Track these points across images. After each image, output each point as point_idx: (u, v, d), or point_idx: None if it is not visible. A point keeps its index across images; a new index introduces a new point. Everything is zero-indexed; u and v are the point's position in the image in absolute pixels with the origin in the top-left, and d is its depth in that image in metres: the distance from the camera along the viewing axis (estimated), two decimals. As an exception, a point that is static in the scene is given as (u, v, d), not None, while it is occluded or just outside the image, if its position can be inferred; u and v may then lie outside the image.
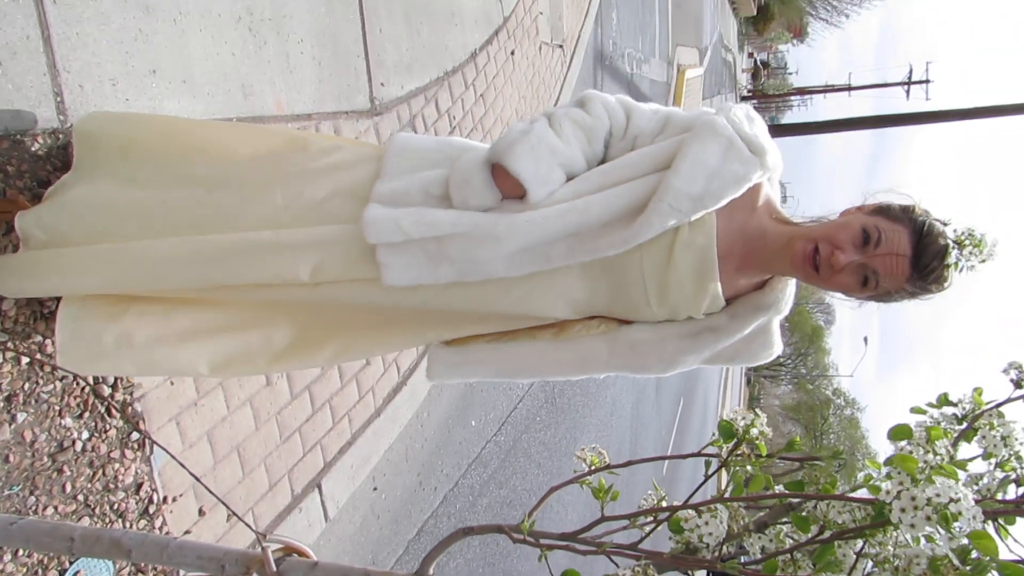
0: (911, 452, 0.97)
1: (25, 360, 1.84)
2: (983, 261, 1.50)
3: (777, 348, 1.59)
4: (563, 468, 6.25)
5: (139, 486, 2.13)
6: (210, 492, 1.35)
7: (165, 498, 2.20)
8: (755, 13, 41.82)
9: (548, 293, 1.51)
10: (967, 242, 1.41)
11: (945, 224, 1.44)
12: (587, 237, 1.44)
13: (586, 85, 7.98)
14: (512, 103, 5.47)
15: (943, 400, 1.37)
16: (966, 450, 1.30)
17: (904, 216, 1.43)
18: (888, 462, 1.02)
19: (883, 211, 1.45)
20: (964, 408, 1.37)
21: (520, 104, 5.66)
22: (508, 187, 1.48)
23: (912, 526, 0.86)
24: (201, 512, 2.35)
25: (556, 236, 1.44)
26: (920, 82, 36.53)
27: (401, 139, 1.63)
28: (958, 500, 0.83)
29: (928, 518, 0.84)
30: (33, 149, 1.89)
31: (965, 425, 1.30)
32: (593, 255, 1.44)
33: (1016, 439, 1.24)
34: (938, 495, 0.84)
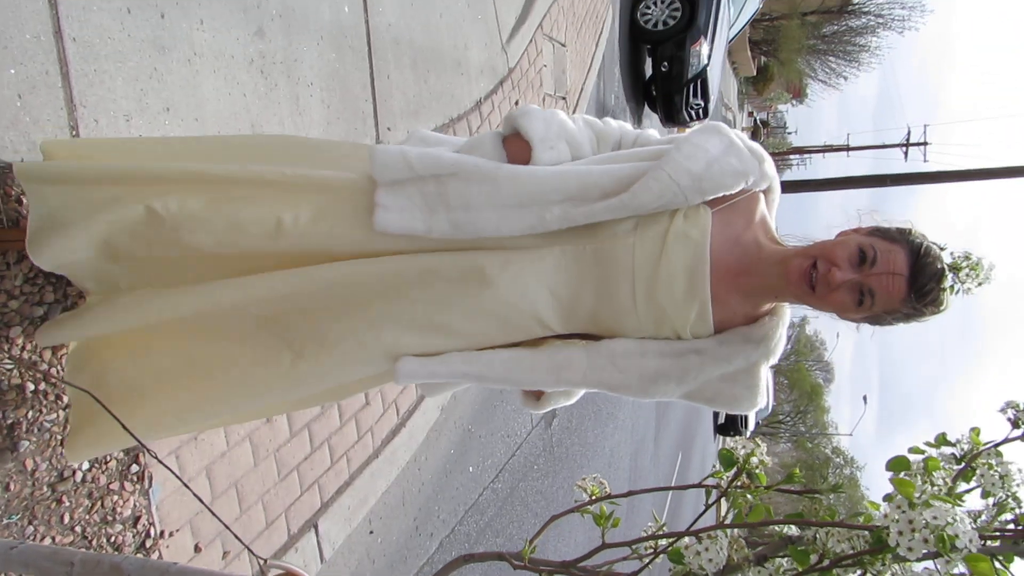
0: (911, 481, 0.99)
1: (30, 388, 1.85)
2: (979, 284, 1.51)
3: (762, 398, 1.53)
4: (552, 541, 6.18)
5: (137, 519, 2.12)
6: (217, 518, 1.35)
7: (162, 532, 2.19)
8: (755, 73, 42.53)
9: (534, 278, 1.47)
10: (964, 265, 1.42)
11: (942, 248, 1.44)
12: (584, 201, 1.43)
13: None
14: (515, 151, 5.56)
15: (941, 440, 1.37)
16: (968, 496, 1.31)
17: (901, 237, 1.43)
18: (887, 498, 1.03)
19: (880, 232, 1.45)
20: (962, 448, 1.38)
21: (523, 153, 5.74)
22: (515, 149, 1.52)
23: (910, 549, 0.87)
24: (197, 548, 2.33)
25: (553, 193, 1.43)
26: (918, 144, 36.98)
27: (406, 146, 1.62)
28: (955, 523, 0.84)
29: (925, 540, 0.85)
30: (47, 181, 1.92)
31: (964, 465, 1.31)
32: (589, 219, 1.42)
33: (1014, 479, 1.25)
34: (935, 518, 0.85)
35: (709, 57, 10.23)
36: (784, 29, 37.09)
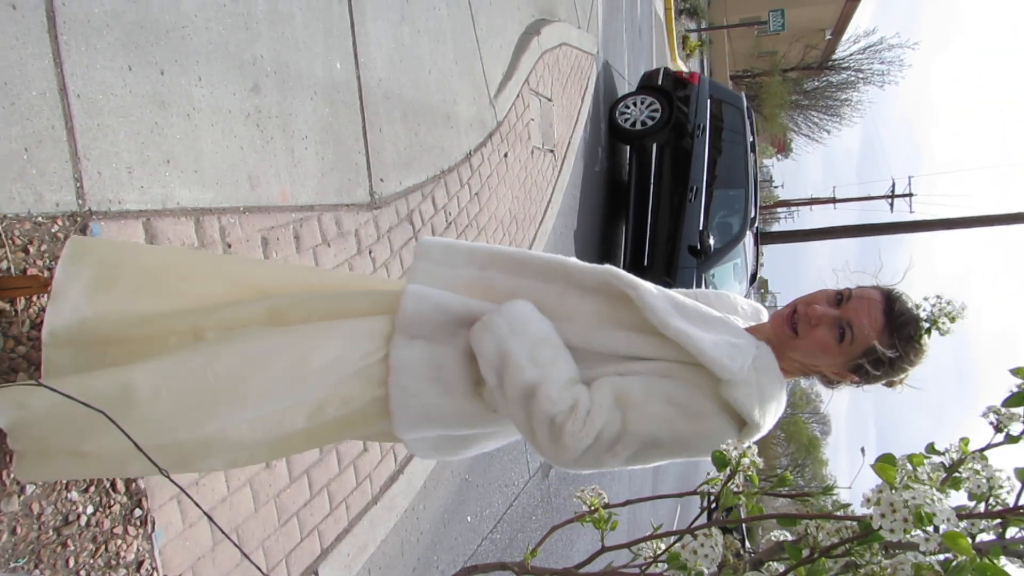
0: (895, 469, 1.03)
1: (35, 431, 1.88)
2: (953, 320, 1.57)
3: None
4: (561, 559, 6.11)
5: (140, 563, 2.13)
6: (235, 544, 1.37)
7: (164, 577, 2.20)
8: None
9: None
10: (937, 309, 1.48)
11: (918, 306, 1.53)
12: None
13: (576, 189, 8.23)
14: (506, 202, 5.66)
15: (930, 449, 1.42)
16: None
17: (874, 286, 1.56)
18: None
19: (857, 286, 1.57)
20: (951, 457, 1.42)
21: (513, 204, 5.85)
22: None
23: (892, 531, 0.91)
24: (199, 594, 2.33)
25: None
26: (903, 195, 37.48)
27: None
28: (933, 503, 0.89)
29: (905, 519, 0.89)
30: (53, 231, 1.98)
31: (951, 473, 1.35)
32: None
33: (1001, 485, 1.29)
34: (914, 498, 0.90)
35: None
36: (766, 85, 37.84)
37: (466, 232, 4.85)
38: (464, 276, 1.69)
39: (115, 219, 2.17)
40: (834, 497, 1.27)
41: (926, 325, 1.49)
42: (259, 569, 1.42)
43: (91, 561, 1.99)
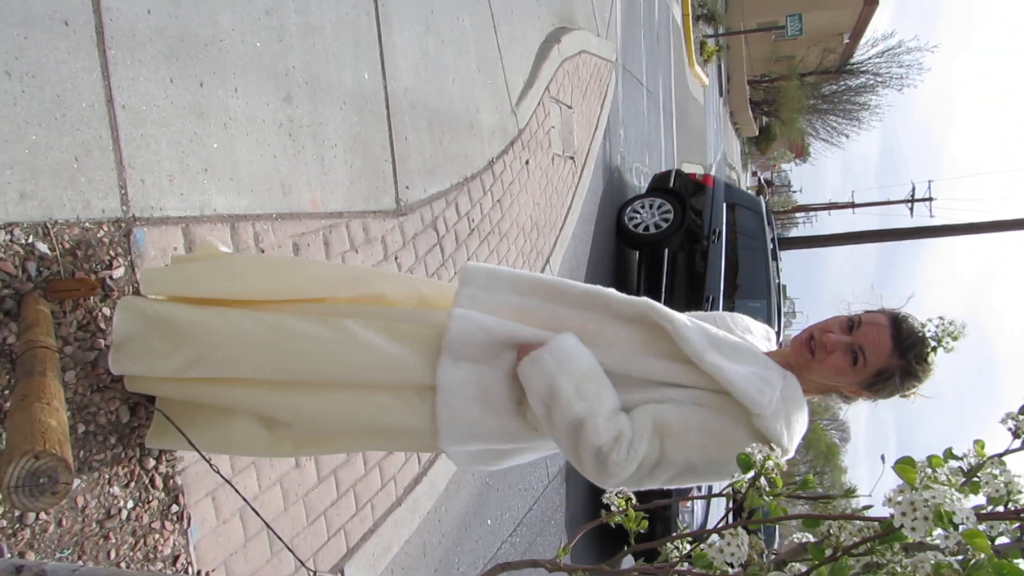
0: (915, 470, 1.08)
1: (81, 429, 1.96)
2: (956, 339, 1.65)
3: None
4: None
5: (176, 558, 2.20)
6: (274, 533, 1.44)
7: (199, 572, 2.27)
8: (757, 133, 43.15)
9: None
10: (940, 329, 1.60)
11: (923, 325, 1.66)
12: None
13: (596, 196, 8.29)
14: (527, 209, 5.73)
15: (948, 454, 1.47)
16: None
17: (881, 310, 1.70)
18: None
19: (865, 311, 1.72)
20: (969, 462, 1.47)
21: (534, 210, 5.91)
22: None
23: (913, 529, 0.96)
24: (232, 589, 2.40)
25: None
26: (923, 200, 37.27)
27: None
28: (953, 501, 0.94)
29: (926, 518, 0.94)
30: (99, 236, 2.07)
31: (968, 478, 1.40)
32: None
33: (1020, 490, 1.33)
34: (934, 497, 0.95)
35: None
36: (784, 90, 37.74)
37: (488, 239, 4.92)
38: (507, 301, 1.80)
39: (156, 225, 2.25)
40: (856, 499, 1.32)
41: (932, 344, 1.61)
42: (295, 556, 1.48)
43: (131, 554, 2.07)
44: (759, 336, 1.92)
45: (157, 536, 2.15)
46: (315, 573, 1.34)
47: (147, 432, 2.06)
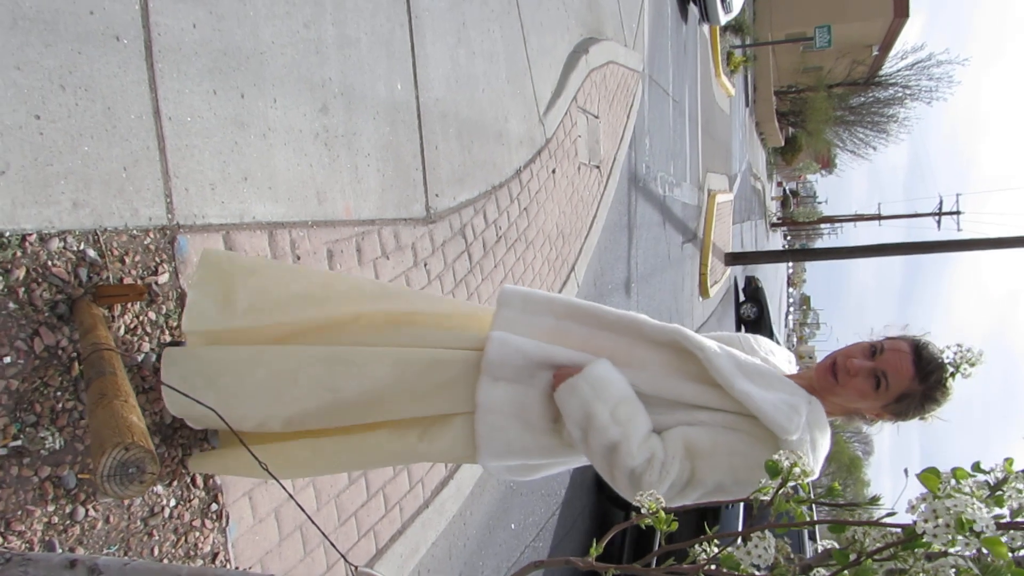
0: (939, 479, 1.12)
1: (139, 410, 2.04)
2: (973, 365, 1.72)
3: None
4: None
5: (215, 555, 2.27)
6: (315, 525, 1.50)
7: (237, 568, 2.34)
8: (783, 144, 42.91)
9: None
10: (959, 356, 1.67)
11: (942, 351, 1.72)
12: None
13: (622, 205, 8.33)
14: (553, 217, 5.78)
15: (976, 468, 1.50)
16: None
17: (904, 337, 1.76)
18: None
19: (887, 338, 1.78)
20: (996, 477, 1.50)
21: (560, 219, 5.97)
22: None
23: (935, 536, 1.00)
24: (266, 587, 2.47)
25: None
26: (950, 213, 36.89)
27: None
28: (974, 509, 0.98)
29: (948, 525, 0.98)
30: (146, 243, 2.14)
31: (994, 492, 1.43)
32: None
33: (1044, 503, 1.36)
34: (956, 505, 0.99)
35: None
36: (811, 101, 37.53)
37: (515, 246, 4.98)
38: (542, 324, 1.89)
39: (199, 232, 2.33)
40: (880, 506, 1.36)
41: (951, 370, 1.67)
42: (337, 550, 1.54)
43: (173, 551, 2.14)
44: (781, 360, 2.00)
45: (197, 534, 2.22)
46: (356, 568, 1.39)
47: (191, 458, 2.17)
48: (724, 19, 12.94)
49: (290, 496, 1.63)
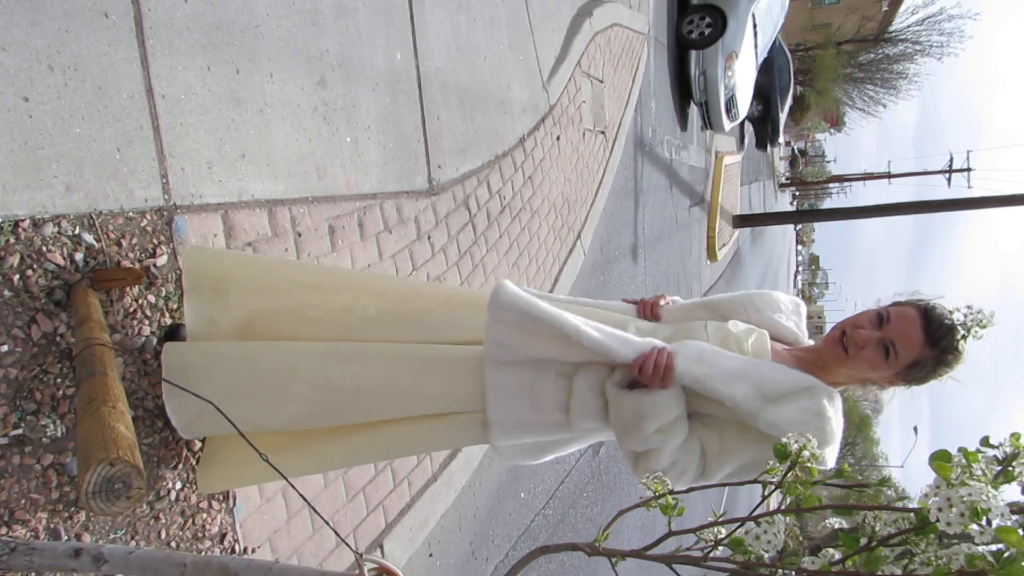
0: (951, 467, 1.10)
1: (130, 414, 2.02)
2: (984, 327, 1.68)
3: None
4: (610, 543, 6.23)
5: (223, 536, 2.27)
6: (319, 515, 1.49)
7: (246, 548, 2.34)
8: (792, 103, 42.37)
9: None
10: (970, 318, 1.64)
11: (951, 312, 1.69)
12: None
13: (628, 170, 8.25)
14: (558, 185, 5.72)
15: (984, 443, 1.47)
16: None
17: (910, 302, 1.73)
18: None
19: (893, 303, 1.75)
20: (1005, 451, 1.47)
21: (565, 186, 5.91)
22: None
23: (949, 524, 0.97)
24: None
25: None
26: (961, 170, 36.51)
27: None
28: (988, 498, 0.95)
29: (962, 514, 0.96)
30: (142, 225, 2.11)
31: (1003, 467, 1.40)
32: None
33: (1055, 480, 1.33)
34: (970, 494, 0.96)
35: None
36: (820, 59, 36.99)
37: (520, 216, 4.93)
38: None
39: (197, 212, 2.30)
40: (890, 489, 1.33)
41: (961, 332, 1.64)
42: (337, 534, 1.53)
43: (180, 533, 2.14)
44: (788, 311, 1.96)
45: (204, 515, 2.22)
46: (362, 556, 1.38)
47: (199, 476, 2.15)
48: (728, 126, 12.00)
49: (289, 484, 1.61)
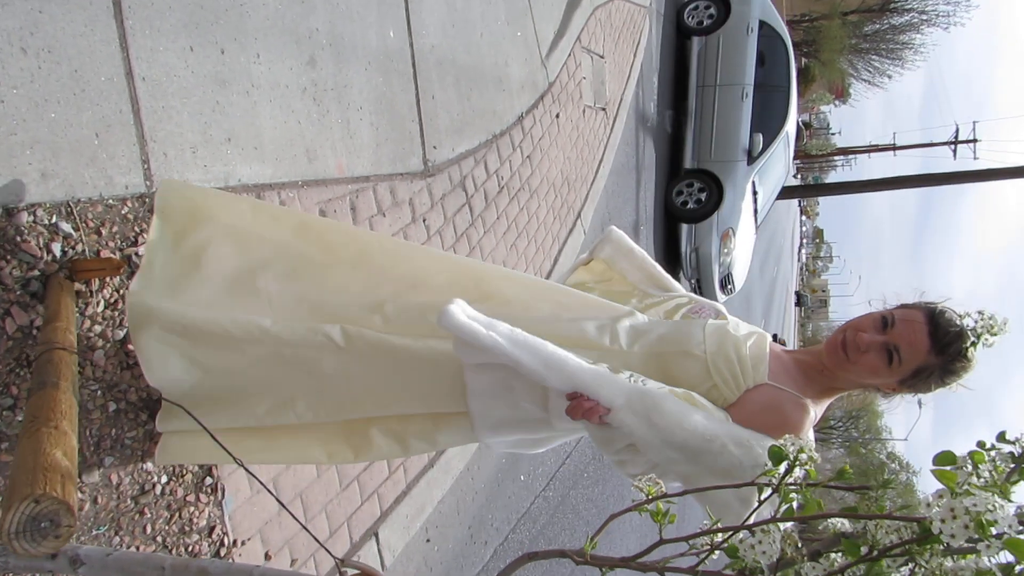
0: (955, 473, 1.04)
1: (112, 407, 1.98)
2: (995, 335, 1.60)
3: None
4: (611, 525, 6.21)
5: (212, 529, 2.23)
6: (296, 519, 1.44)
7: (235, 541, 2.30)
8: (796, 75, 41.94)
9: None
10: (980, 324, 1.55)
11: (961, 316, 1.59)
12: None
13: (629, 147, 8.14)
14: (558, 164, 5.64)
15: (1001, 438, 1.41)
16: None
17: (917, 305, 1.64)
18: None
19: (899, 306, 1.66)
20: (1021, 447, 1.41)
21: (565, 165, 5.82)
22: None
23: (953, 536, 0.92)
24: (267, 556, 2.44)
25: None
26: (967, 141, 36.23)
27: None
28: (995, 510, 0.89)
29: (966, 527, 0.90)
30: (123, 212, 2.05)
31: (1017, 464, 1.35)
32: None
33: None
34: (975, 505, 0.90)
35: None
36: (825, 29, 36.59)
37: (518, 196, 4.85)
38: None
39: (181, 198, 2.23)
40: (894, 462, 1.28)
41: (971, 339, 1.55)
42: (316, 540, 1.49)
43: (166, 528, 2.10)
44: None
45: (192, 509, 2.18)
46: (342, 561, 1.33)
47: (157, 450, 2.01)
48: (722, 299, 10.03)
49: (264, 486, 1.56)
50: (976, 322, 1.55)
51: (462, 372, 1.70)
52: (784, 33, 10.35)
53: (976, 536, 0.92)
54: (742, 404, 1.64)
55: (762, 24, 10.03)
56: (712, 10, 10.18)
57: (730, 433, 1.53)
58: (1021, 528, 0.92)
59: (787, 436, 1.18)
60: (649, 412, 1.52)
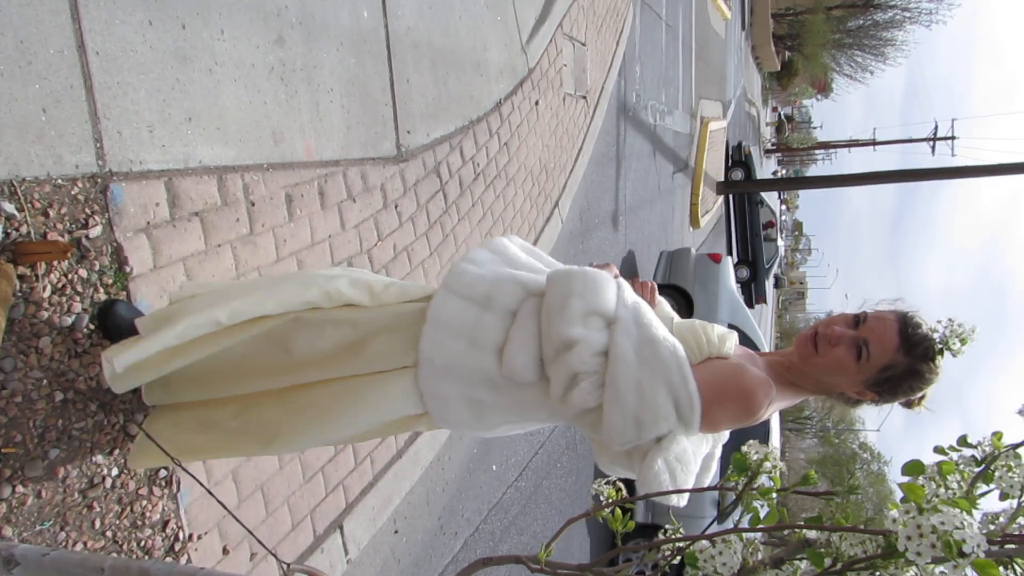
0: (923, 486, 0.99)
1: (59, 397, 1.90)
2: (964, 342, 1.62)
3: None
4: (573, 526, 6.19)
5: (166, 523, 2.16)
6: (240, 524, 1.38)
7: (191, 536, 2.23)
8: (779, 68, 41.98)
9: None
10: (949, 331, 1.57)
11: (932, 327, 1.61)
12: None
13: (609, 136, 8.09)
14: (536, 152, 5.57)
15: (962, 442, 1.38)
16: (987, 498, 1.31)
17: (890, 310, 1.65)
18: (904, 501, 1.04)
19: (874, 309, 1.66)
20: (984, 450, 1.38)
21: (543, 153, 5.75)
22: None
23: (918, 554, 0.87)
24: (225, 551, 2.37)
25: None
26: (945, 138, 36.60)
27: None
28: (963, 528, 0.85)
29: (933, 546, 0.85)
30: (73, 193, 1.97)
31: (983, 467, 1.31)
32: None
33: (1032, 485, 1.24)
34: (943, 523, 0.86)
35: None
36: (808, 24, 36.72)
37: (494, 184, 4.78)
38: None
39: (136, 180, 2.15)
40: (866, 452, 1.23)
41: (939, 345, 1.58)
42: (264, 546, 1.43)
43: (117, 522, 2.02)
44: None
45: (145, 502, 2.10)
46: (288, 567, 1.27)
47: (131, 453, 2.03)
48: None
49: (208, 491, 1.49)
50: (945, 328, 1.57)
51: (422, 320, 1.66)
52: None
53: (942, 555, 0.88)
54: (703, 366, 1.59)
55: None
56: None
57: (681, 364, 1.51)
58: (987, 548, 0.88)
59: (750, 443, 1.14)
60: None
